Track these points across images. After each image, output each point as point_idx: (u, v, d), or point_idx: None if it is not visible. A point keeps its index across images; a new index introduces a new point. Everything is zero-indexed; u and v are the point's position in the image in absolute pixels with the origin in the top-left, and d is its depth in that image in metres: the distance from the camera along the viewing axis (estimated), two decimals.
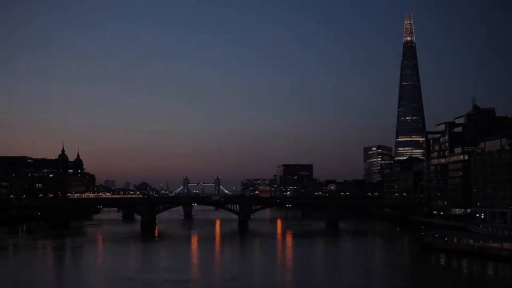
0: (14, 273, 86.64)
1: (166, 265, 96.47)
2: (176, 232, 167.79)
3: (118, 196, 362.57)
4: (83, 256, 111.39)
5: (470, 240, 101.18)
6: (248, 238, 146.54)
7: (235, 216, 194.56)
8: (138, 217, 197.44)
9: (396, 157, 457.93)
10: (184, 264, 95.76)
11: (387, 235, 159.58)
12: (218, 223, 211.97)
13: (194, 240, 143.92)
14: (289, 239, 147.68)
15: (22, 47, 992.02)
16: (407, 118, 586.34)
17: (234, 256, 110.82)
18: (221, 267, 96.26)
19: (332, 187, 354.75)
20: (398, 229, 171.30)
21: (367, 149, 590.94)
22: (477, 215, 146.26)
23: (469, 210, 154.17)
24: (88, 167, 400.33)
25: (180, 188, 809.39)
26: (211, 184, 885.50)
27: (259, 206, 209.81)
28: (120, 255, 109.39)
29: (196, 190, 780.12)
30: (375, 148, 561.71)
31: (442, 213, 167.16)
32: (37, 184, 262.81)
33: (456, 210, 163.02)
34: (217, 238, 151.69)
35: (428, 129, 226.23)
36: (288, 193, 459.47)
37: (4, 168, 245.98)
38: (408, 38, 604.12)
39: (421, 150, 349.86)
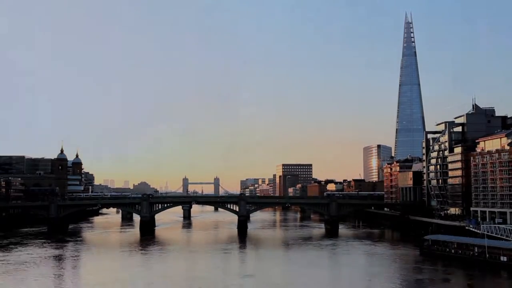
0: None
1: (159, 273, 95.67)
2: (176, 236, 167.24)
3: (117, 196, 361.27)
4: (82, 262, 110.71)
5: (471, 244, 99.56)
6: (245, 246, 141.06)
7: (234, 216, 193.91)
8: (137, 217, 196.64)
9: (396, 157, 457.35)
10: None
11: (387, 239, 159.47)
12: (217, 224, 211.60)
13: (191, 244, 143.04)
14: (288, 242, 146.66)
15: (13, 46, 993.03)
16: (407, 118, 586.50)
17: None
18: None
19: (332, 187, 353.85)
20: (398, 231, 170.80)
21: (367, 149, 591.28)
22: (477, 215, 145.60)
23: (469, 209, 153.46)
24: (87, 166, 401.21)
25: (180, 188, 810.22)
26: (211, 184, 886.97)
27: (258, 206, 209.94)
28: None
29: (195, 190, 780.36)
30: (375, 148, 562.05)
31: (441, 213, 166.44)
32: (35, 184, 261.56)
33: (456, 210, 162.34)
34: (216, 241, 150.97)
35: (428, 129, 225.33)
36: (288, 193, 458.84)
37: (1, 167, 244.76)
38: (408, 38, 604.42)
39: (421, 150, 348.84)
